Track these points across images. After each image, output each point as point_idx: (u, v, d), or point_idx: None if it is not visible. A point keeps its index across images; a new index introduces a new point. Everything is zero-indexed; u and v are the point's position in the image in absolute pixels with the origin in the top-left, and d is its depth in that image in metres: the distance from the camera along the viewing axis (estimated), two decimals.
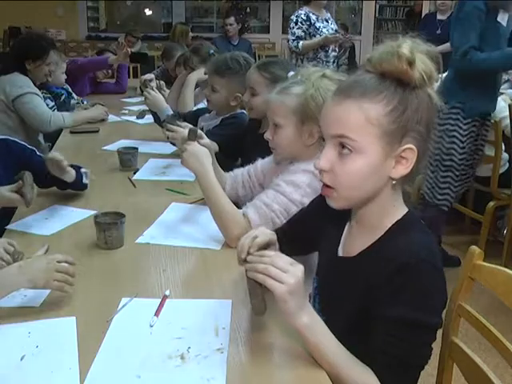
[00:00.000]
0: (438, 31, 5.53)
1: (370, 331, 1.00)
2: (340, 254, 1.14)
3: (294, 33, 4.44)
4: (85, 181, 1.96)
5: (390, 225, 1.05)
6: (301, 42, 4.41)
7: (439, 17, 5.62)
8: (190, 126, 1.79)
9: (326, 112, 1.03)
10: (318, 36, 4.39)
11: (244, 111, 2.39)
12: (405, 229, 1.03)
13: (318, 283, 1.23)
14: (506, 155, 3.17)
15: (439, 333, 1.29)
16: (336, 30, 4.58)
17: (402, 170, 1.00)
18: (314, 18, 4.44)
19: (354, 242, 1.11)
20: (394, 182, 1.02)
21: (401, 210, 1.07)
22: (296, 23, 4.44)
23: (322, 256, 1.25)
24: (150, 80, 2.97)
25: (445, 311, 1.27)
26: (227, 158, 2.07)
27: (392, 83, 0.98)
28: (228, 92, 2.32)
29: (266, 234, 1.14)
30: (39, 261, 1.27)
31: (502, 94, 3.69)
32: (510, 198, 3.09)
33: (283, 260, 0.98)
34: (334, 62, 4.45)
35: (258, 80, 1.97)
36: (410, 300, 0.95)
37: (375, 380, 0.97)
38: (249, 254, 1.04)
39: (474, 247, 1.23)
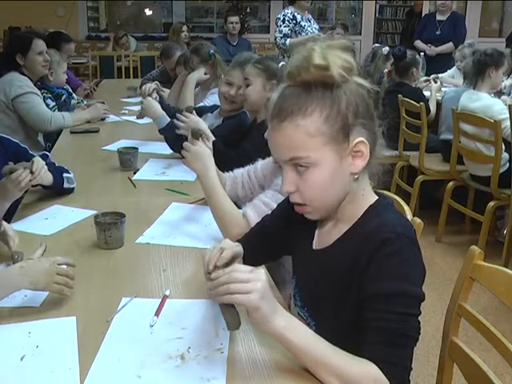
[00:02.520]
0: (438, 31, 5.53)
1: (358, 317, 0.99)
2: (315, 247, 1.16)
3: (282, 31, 4.63)
4: (66, 185, 1.93)
5: (362, 211, 1.07)
6: (288, 40, 4.58)
7: (439, 17, 5.62)
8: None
9: (269, 139, 1.06)
10: (303, 34, 4.56)
11: (246, 111, 2.39)
12: (377, 211, 1.06)
13: (296, 282, 1.23)
14: (506, 155, 3.17)
15: (439, 333, 1.29)
16: (318, 30, 4.80)
17: (361, 162, 1.03)
18: (299, 17, 4.66)
19: (328, 235, 1.13)
20: (356, 176, 1.04)
21: (371, 197, 1.09)
22: (283, 21, 4.65)
23: (296, 255, 1.25)
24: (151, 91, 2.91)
25: (445, 311, 1.28)
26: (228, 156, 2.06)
27: (318, 89, 0.99)
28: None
29: (231, 246, 1.12)
30: (41, 263, 1.27)
31: (503, 94, 3.70)
32: (510, 197, 3.08)
33: (241, 271, 0.96)
34: None
35: (251, 71, 2.09)
36: (393, 272, 0.97)
37: (375, 368, 0.94)
38: (216, 267, 1.02)
39: (473, 247, 1.23)
